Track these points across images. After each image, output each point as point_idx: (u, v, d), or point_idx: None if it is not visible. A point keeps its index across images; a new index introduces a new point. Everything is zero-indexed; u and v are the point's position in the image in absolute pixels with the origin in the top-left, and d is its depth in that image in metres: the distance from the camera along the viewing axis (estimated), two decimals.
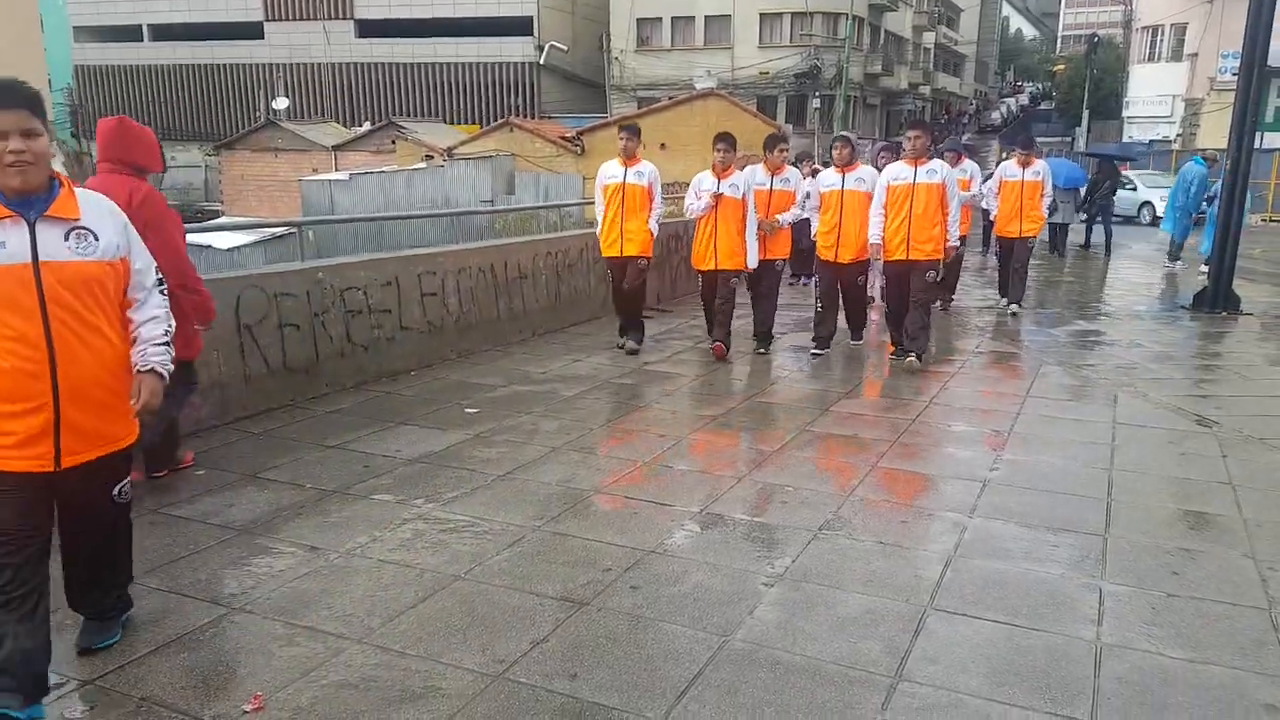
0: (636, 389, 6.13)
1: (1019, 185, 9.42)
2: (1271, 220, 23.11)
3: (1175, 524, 3.95)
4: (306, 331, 5.66)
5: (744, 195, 6.71)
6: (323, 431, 5.04)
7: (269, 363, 5.43)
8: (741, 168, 7.20)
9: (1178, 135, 33.17)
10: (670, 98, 30.34)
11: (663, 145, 24.88)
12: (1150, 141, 33.52)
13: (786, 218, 7.15)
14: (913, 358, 6.76)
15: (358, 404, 5.61)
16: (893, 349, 7.08)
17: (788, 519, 3.89)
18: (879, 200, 6.68)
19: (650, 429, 5.20)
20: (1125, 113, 36.66)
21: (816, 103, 35.13)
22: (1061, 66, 54.65)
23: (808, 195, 7.33)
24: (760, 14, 36.04)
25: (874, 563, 3.49)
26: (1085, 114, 38.76)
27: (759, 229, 6.89)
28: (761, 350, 7.19)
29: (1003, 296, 9.72)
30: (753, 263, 6.76)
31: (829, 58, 34.56)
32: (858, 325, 7.62)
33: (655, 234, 6.97)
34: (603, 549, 3.55)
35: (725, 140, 6.70)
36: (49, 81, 30.43)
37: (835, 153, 7.08)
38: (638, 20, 36.97)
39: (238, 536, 3.66)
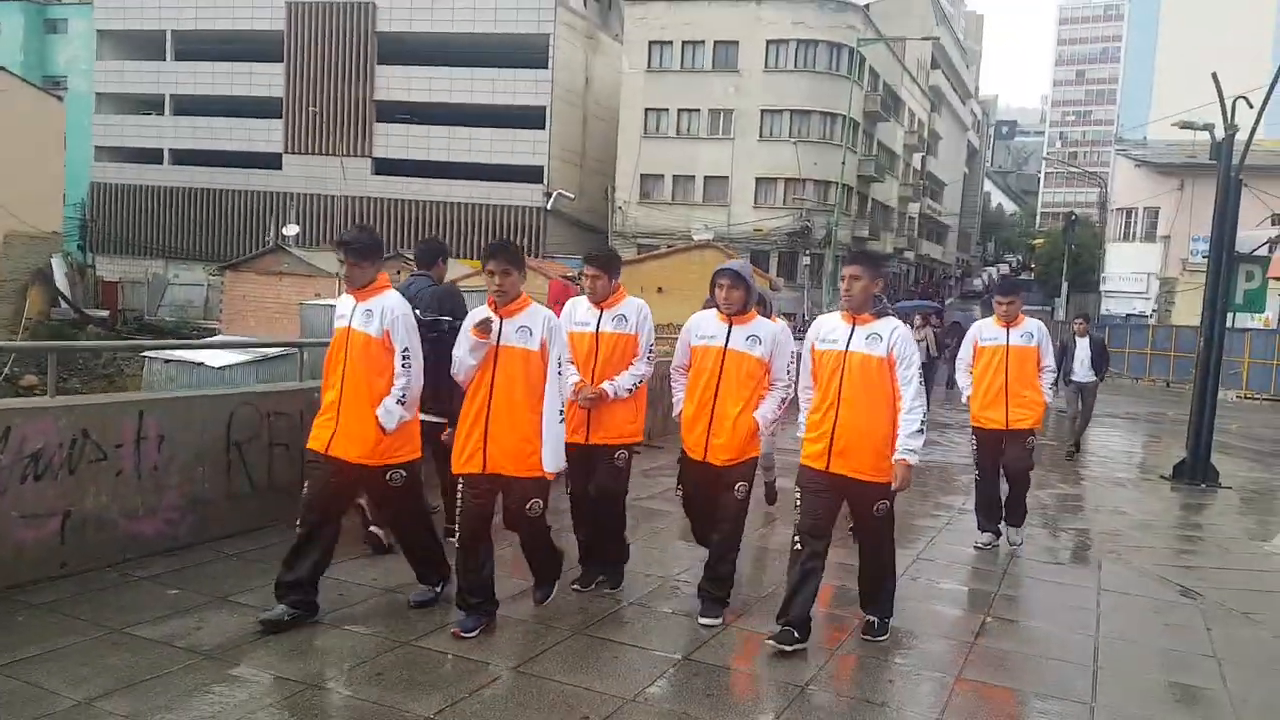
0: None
1: (1001, 353, 5.95)
2: (1248, 398, 23.63)
3: (1162, 696, 3.89)
4: (296, 452, 5.64)
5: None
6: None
7: (254, 481, 5.39)
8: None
9: (1153, 311, 34.42)
10: (669, 246, 31.47)
11: (660, 289, 25.67)
12: (1127, 315, 34.77)
13: (625, 382, 4.40)
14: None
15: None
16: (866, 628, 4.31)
17: (773, 673, 3.81)
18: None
19: (637, 570, 5.14)
20: (1103, 287, 38.17)
21: (806, 260, 36.45)
22: (1040, 241, 57.21)
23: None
24: (756, 178, 37.97)
25: None
26: (1064, 286, 40.29)
27: (574, 400, 4.32)
28: (608, 586, 4.66)
29: (986, 528, 6.13)
30: (552, 466, 3.93)
31: (819, 219, 36.14)
32: (719, 575, 4.37)
33: (629, 394, 4.43)
34: (579, 694, 3.46)
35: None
36: (64, 196, 31.54)
37: (720, 293, 4.29)
38: (641, 175, 38.82)
39: (202, 661, 3.54)
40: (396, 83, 41.15)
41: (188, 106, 44.43)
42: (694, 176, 38.82)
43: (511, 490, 3.95)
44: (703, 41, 38.04)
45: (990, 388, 5.97)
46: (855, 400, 3.94)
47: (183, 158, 44.68)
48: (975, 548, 6.07)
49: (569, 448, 4.14)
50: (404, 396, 3.96)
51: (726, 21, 37.77)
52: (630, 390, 4.40)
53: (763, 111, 37.54)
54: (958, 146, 65.69)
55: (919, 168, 53.33)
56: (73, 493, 4.41)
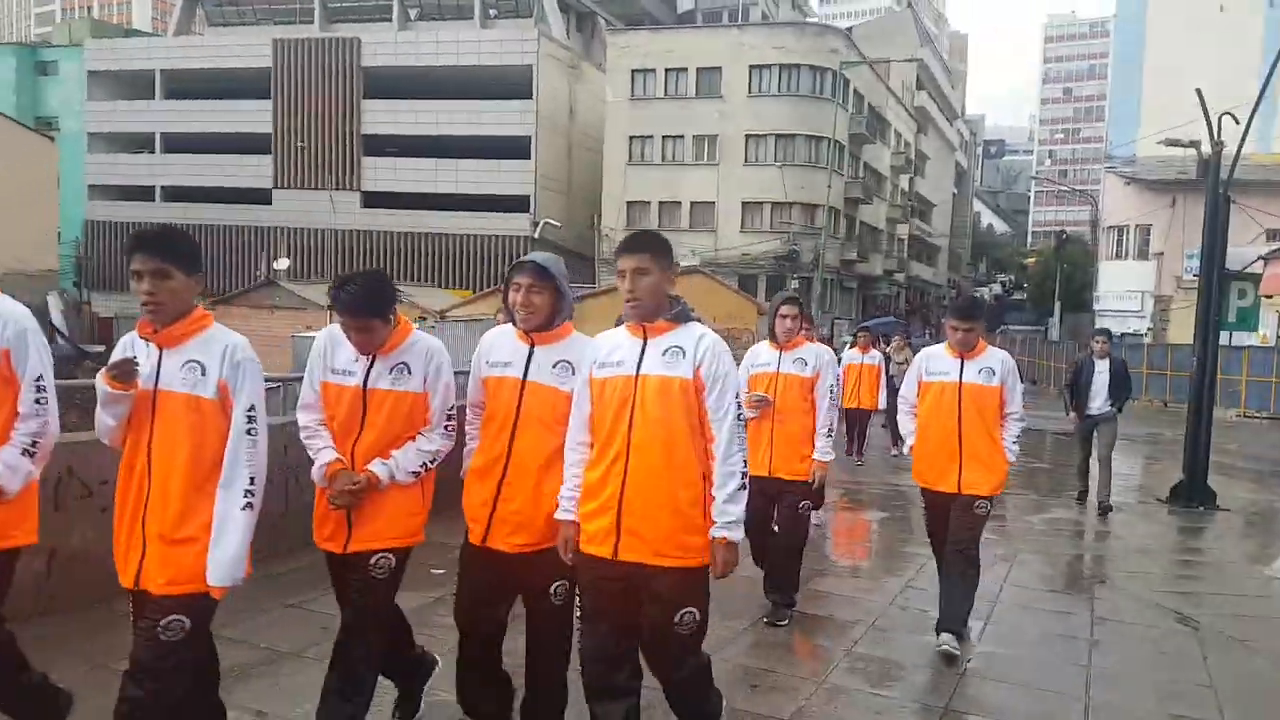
0: None
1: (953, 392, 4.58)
2: (1246, 416, 23.58)
3: None
4: (278, 485, 5.57)
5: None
6: (283, 589, 4.87)
7: None
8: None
9: (1149, 330, 34.50)
10: None
11: None
12: (1122, 334, 34.78)
13: (408, 462, 3.03)
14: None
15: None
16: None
17: (756, 705, 3.72)
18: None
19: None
20: (1096, 306, 38.28)
21: (795, 283, 36.56)
22: (1032, 260, 57.52)
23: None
24: (743, 202, 38.15)
25: None
26: (1057, 305, 40.38)
27: (325, 490, 3.08)
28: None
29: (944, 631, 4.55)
30: (223, 577, 2.63)
31: (807, 243, 36.29)
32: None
33: (414, 480, 3.05)
34: None
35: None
36: (59, 235, 31.62)
37: (516, 296, 3.02)
38: (628, 202, 38.99)
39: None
40: (383, 116, 41.37)
41: (178, 144, 44.65)
42: (680, 202, 38.99)
43: (145, 609, 2.57)
44: (685, 69, 38.31)
45: (942, 439, 4.54)
46: (650, 447, 2.68)
47: (174, 194, 44.86)
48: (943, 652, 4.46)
49: (329, 558, 3.09)
50: (34, 445, 2.68)
51: (708, 48, 38.15)
52: (416, 475, 3.00)
53: (747, 136, 37.79)
54: (945, 167, 66.24)
55: (907, 189, 53.68)
56: (59, 530, 4.43)
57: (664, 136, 38.83)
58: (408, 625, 3.36)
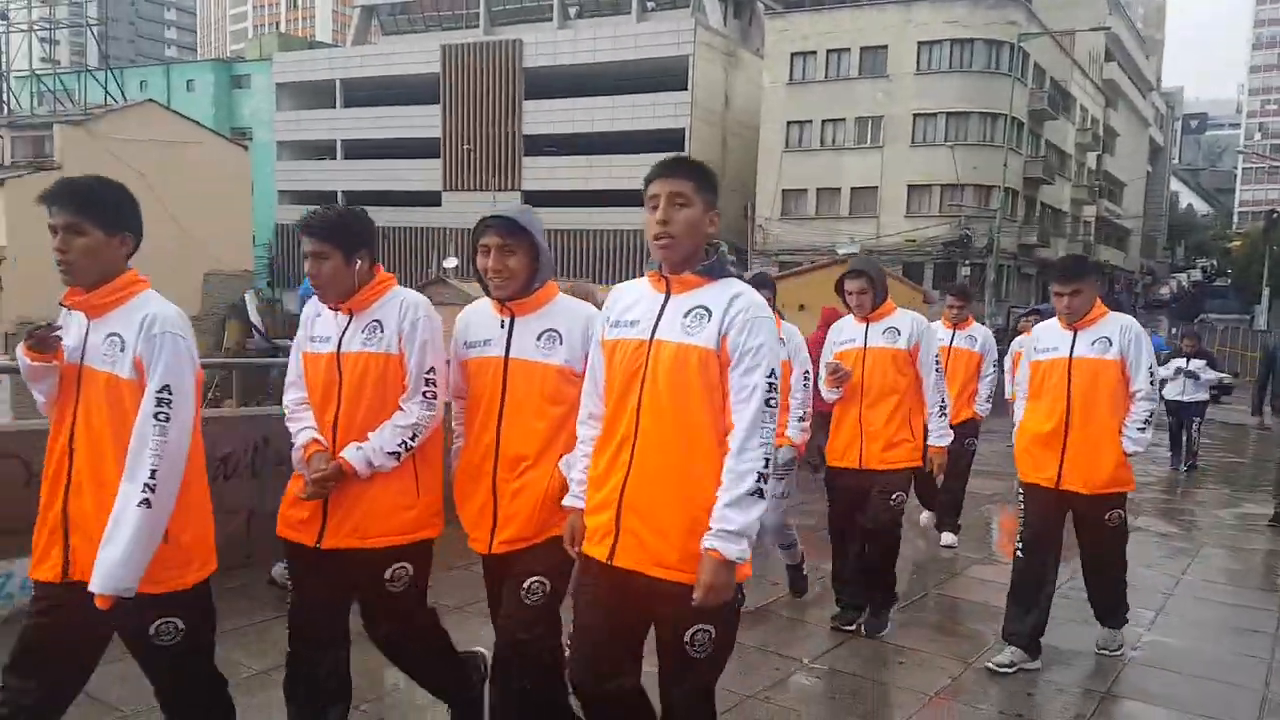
0: None
1: (1062, 369, 3.93)
2: None
3: None
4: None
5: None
6: None
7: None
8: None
9: None
10: (812, 262, 30.95)
11: (801, 306, 25.23)
12: None
13: (385, 442, 2.55)
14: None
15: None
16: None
17: (905, 680, 3.71)
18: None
19: (765, 576, 5.11)
20: None
21: (966, 270, 34.82)
22: (1237, 243, 52.21)
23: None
24: (908, 185, 36.63)
25: None
26: (1265, 291, 36.55)
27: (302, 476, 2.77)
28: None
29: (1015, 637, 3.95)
30: (106, 583, 2.14)
31: (980, 227, 34.51)
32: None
33: (395, 462, 2.53)
34: None
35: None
36: (253, 238, 34.71)
37: (483, 261, 2.61)
38: (783, 191, 38.38)
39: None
40: (542, 116, 42.64)
41: (356, 150, 47.81)
42: (839, 189, 37.95)
43: (92, 614, 2.16)
44: (848, 49, 37.13)
45: (1044, 422, 3.84)
46: (660, 432, 2.15)
47: (354, 199, 47.99)
48: (989, 668, 3.85)
49: (296, 550, 2.67)
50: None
51: (873, 26, 36.80)
52: (396, 455, 2.50)
53: (915, 116, 36.18)
54: (1138, 143, 61.01)
55: (1094, 168, 49.93)
56: (255, 493, 4.87)
57: (823, 120, 37.84)
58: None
